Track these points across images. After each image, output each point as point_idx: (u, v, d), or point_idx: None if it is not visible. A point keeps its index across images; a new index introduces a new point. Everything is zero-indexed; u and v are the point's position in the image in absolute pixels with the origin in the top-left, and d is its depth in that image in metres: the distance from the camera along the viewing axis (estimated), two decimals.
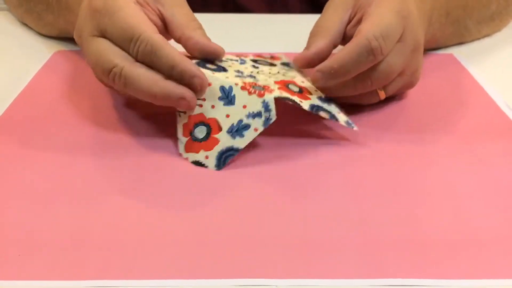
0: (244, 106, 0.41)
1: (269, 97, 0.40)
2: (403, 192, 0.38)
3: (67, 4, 0.52)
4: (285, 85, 0.43)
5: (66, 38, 0.58)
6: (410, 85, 0.48)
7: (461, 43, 0.61)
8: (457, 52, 0.59)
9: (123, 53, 0.41)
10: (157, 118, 0.46)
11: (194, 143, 0.41)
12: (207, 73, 0.41)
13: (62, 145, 0.43)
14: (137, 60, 0.40)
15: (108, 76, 0.40)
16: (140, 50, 0.40)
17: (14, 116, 0.46)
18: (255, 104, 0.40)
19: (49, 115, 0.47)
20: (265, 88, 0.41)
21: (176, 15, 0.44)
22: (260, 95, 0.40)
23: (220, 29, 0.65)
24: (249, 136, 0.40)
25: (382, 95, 0.46)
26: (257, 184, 0.39)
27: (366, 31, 0.41)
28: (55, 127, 0.45)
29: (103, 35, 0.41)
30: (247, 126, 0.40)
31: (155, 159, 0.41)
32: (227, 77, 0.42)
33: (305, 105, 0.41)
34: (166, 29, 0.44)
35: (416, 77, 0.47)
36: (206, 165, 0.40)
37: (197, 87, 0.40)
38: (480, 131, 0.45)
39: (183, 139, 0.42)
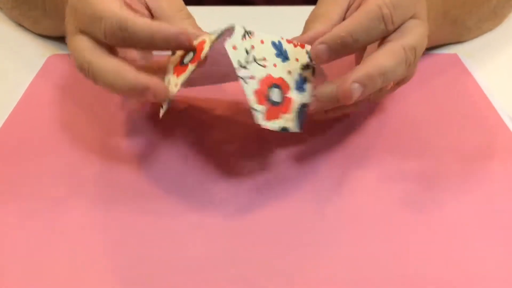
0: (297, 60, 0.40)
1: (309, 48, 0.40)
2: (398, 227, 0.38)
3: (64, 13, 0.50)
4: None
5: (61, 40, 0.57)
6: (406, 80, 0.43)
7: (462, 41, 0.59)
8: (461, 50, 0.57)
9: (95, 45, 0.38)
10: (163, 131, 0.45)
11: (273, 109, 0.38)
12: (259, 34, 0.39)
13: (60, 175, 0.41)
14: (109, 43, 0.37)
15: (85, 74, 0.38)
16: (106, 29, 0.36)
17: (7, 140, 0.45)
18: (303, 56, 0.40)
19: (45, 135, 0.45)
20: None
21: (162, 7, 0.42)
22: (302, 47, 0.40)
23: (217, 24, 0.64)
24: (309, 89, 0.40)
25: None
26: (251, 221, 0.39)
27: None
28: (51, 151, 0.44)
29: (81, 30, 0.39)
30: (305, 79, 0.40)
31: (161, 190, 0.41)
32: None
33: None
34: None
35: (413, 71, 0.42)
36: (290, 129, 0.38)
37: (186, 44, 0.37)
38: (482, 152, 0.44)
39: (260, 108, 0.37)
